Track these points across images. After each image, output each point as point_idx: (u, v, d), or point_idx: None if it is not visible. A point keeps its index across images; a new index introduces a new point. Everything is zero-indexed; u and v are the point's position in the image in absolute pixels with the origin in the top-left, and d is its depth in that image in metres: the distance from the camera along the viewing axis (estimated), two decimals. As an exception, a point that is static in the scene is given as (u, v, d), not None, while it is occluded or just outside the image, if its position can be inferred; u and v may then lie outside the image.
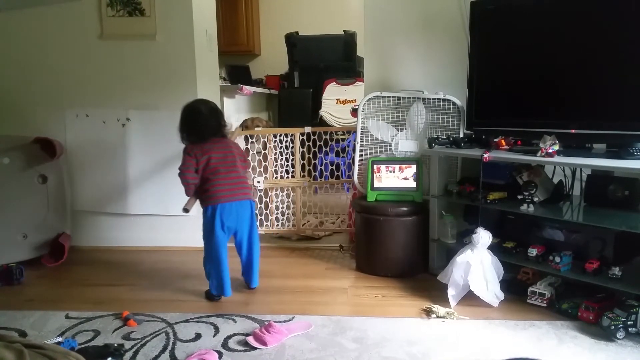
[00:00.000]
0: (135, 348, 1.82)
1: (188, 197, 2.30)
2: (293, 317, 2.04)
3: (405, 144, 2.72)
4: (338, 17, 5.55)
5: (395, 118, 2.75)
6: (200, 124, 2.30)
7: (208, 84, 3.18)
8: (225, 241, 2.27)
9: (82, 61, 3.01)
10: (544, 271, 2.12)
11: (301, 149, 3.16)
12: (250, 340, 1.83)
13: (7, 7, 3.00)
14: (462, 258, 2.11)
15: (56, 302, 2.28)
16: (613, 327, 1.79)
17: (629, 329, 1.79)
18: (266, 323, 1.93)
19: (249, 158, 3.23)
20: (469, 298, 2.11)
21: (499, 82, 2.43)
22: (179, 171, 2.26)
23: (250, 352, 1.78)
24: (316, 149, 3.19)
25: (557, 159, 2.05)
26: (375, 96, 2.75)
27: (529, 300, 2.10)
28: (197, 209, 2.52)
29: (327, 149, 3.94)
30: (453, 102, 2.67)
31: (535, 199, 2.16)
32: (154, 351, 1.80)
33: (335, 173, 3.44)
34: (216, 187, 2.24)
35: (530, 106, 2.31)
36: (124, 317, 2.05)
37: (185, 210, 2.30)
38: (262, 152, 3.20)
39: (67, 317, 2.10)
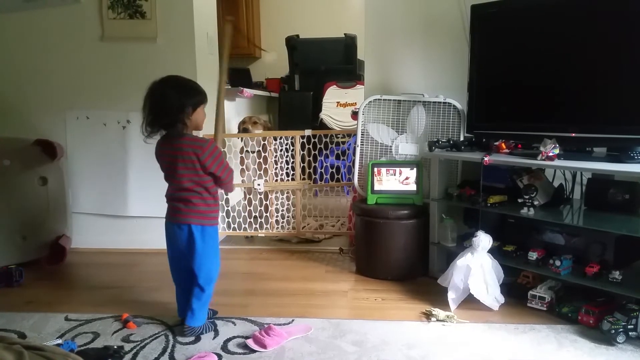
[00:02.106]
0: (134, 350, 1.82)
1: None
2: (293, 320, 2.04)
3: (406, 147, 2.72)
4: (339, 20, 5.56)
5: (396, 121, 2.75)
6: (149, 114, 1.80)
7: (208, 86, 3.18)
8: (176, 260, 1.96)
9: (83, 63, 3.02)
10: (544, 275, 2.11)
11: (301, 152, 3.16)
12: (250, 343, 1.83)
13: (8, 10, 3.01)
14: (462, 261, 2.11)
15: (56, 304, 2.27)
16: (613, 331, 1.78)
17: (630, 333, 1.79)
18: (266, 326, 1.93)
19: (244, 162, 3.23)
20: (469, 301, 2.10)
21: (500, 85, 2.43)
22: None
23: (250, 355, 1.77)
24: (316, 152, 3.19)
25: (557, 162, 2.05)
26: (376, 99, 2.75)
27: (529, 304, 2.10)
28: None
29: (328, 151, 3.94)
30: (453, 106, 2.67)
31: (536, 203, 2.16)
32: (153, 354, 1.79)
33: (336, 176, 3.45)
34: (167, 201, 1.95)
35: (531, 110, 2.31)
36: (123, 319, 2.05)
37: None
38: (263, 154, 3.20)
39: (66, 319, 2.10)
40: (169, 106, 1.79)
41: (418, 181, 2.56)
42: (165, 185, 1.92)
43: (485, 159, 2.19)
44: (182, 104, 1.80)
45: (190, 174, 1.83)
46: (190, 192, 1.85)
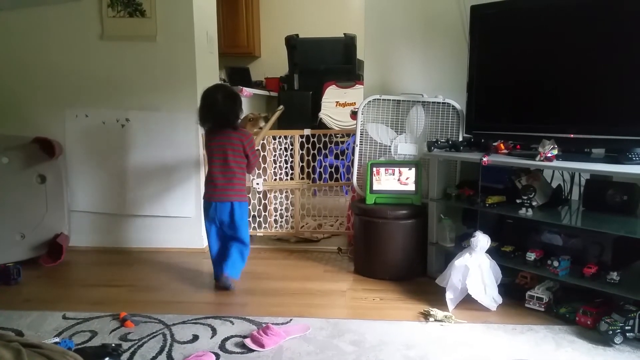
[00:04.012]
0: (132, 349, 1.82)
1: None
2: (291, 320, 2.04)
3: (405, 147, 2.72)
4: (338, 20, 5.56)
5: (395, 121, 2.75)
6: (213, 115, 2.40)
7: (208, 85, 3.17)
8: (215, 231, 2.46)
9: (82, 61, 3.01)
10: (542, 275, 2.12)
11: (300, 151, 3.16)
12: (248, 342, 1.83)
13: (7, 7, 3.00)
14: (461, 262, 2.11)
15: (53, 302, 2.27)
16: (611, 332, 1.79)
17: (627, 334, 1.79)
18: (264, 325, 1.93)
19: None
20: (467, 302, 2.10)
21: (499, 86, 2.44)
22: None
23: (248, 354, 1.77)
24: (315, 152, 3.19)
25: (556, 163, 2.05)
26: (375, 99, 2.75)
27: (527, 305, 2.10)
28: (196, 209, 2.50)
29: (327, 151, 3.94)
30: (452, 106, 2.67)
31: (534, 203, 2.16)
32: (151, 352, 1.79)
33: (334, 175, 3.44)
34: (207, 185, 2.47)
35: (530, 110, 2.32)
36: (121, 318, 2.05)
37: None
38: (261, 153, 3.20)
39: (64, 317, 2.09)
40: (233, 114, 2.43)
41: (417, 181, 2.56)
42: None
43: (484, 159, 2.19)
44: (237, 112, 2.44)
45: (236, 156, 2.42)
46: (233, 173, 2.41)
